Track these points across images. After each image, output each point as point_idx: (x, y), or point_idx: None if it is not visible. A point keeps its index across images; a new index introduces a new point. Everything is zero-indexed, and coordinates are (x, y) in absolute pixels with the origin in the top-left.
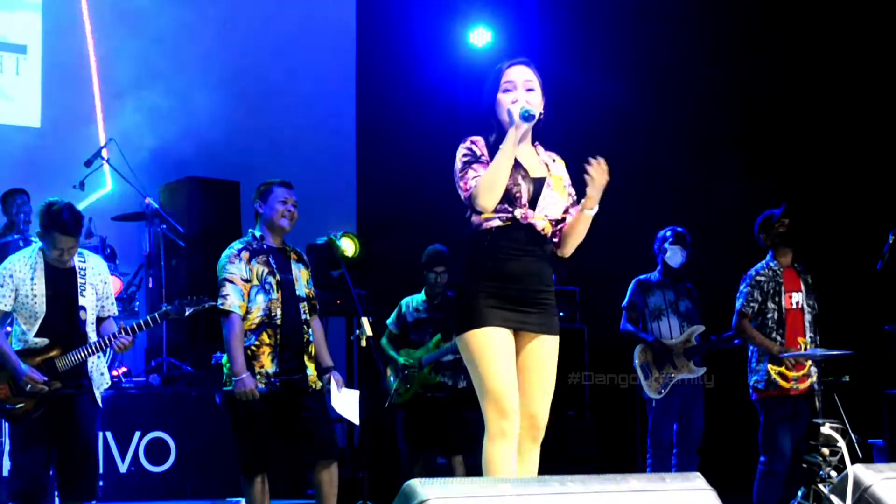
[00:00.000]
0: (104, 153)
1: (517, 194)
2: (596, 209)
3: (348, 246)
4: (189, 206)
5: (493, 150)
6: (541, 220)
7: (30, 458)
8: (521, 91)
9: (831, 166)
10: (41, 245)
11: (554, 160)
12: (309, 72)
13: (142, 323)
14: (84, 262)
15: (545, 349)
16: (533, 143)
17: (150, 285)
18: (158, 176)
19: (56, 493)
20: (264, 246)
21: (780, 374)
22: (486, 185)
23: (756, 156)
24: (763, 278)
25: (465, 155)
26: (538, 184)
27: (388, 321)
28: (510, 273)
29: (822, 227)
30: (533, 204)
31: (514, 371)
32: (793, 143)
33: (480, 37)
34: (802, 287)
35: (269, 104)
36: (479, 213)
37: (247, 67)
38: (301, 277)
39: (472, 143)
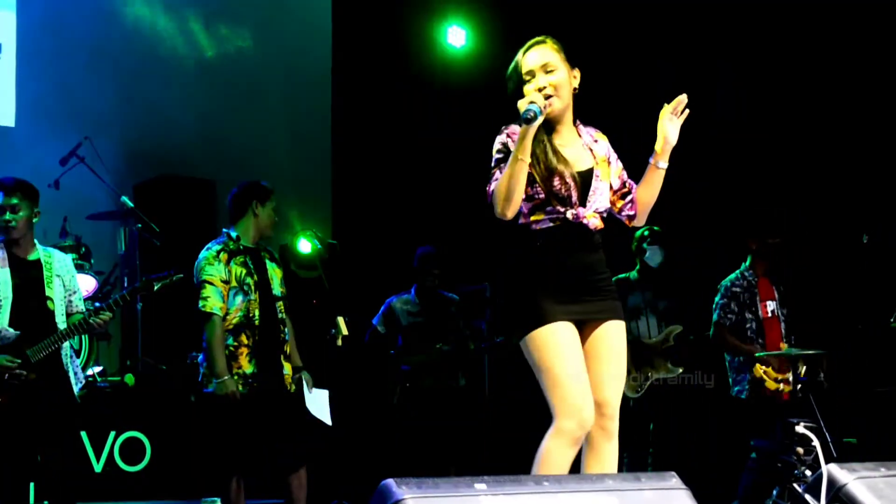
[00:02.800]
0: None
1: (566, 194)
2: (667, 163)
3: (305, 246)
4: (164, 204)
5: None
6: (593, 217)
7: (7, 457)
8: (541, 77)
9: (810, 166)
10: (2, 237)
11: (596, 140)
12: (284, 70)
13: (111, 303)
14: (49, 256)
15: (610, 334)
16: (574, 122)
17: (126, 284)
18: (133, 174)
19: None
20: (241, 246)
21: (766, 374)
22: (502, 195)
23: (736, 154)
24: (738, 289)
25: (498, 151)
26: (586, 177)
27: (375, 320)
28: (565, 268)
29: (796, 227)
30: (583, 199)
31: (586, 369)
32: (775, 142)
33: (457, 36)
34: (776, 295)
35: (245, 103)
36: (531, 214)
37: (222, 66)
38: (276, 277)
39: (509, 136)
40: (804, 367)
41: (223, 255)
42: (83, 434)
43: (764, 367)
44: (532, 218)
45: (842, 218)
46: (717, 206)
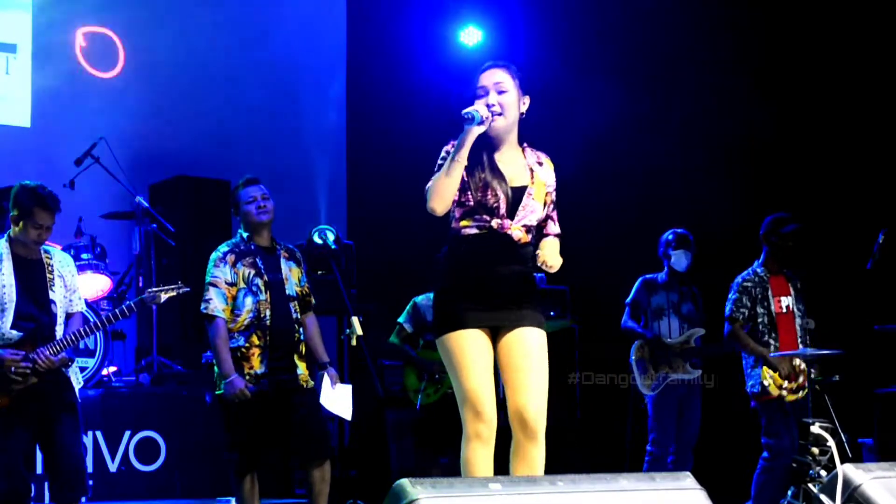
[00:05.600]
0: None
1: (495, 205)
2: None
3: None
4: (179, 204)
5: (472, 152)
6: (517, 230)
7: (11, 458)
8: (493, 94)
9: (824, 166)
10: (7, 236)
11: (541, 163)
12: (299, 71)
13: (117, 313)
14: (51, 257)
15: (525, 341)
16: (521, 144)
17: (141, 285)
18: (148, 174)
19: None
20: (251, 247)
21: (773, 378)
22: (434, 189)
23: (753, 156)
24: (750, 284)
25: (441, 158)
26: (518, 192)
27: (401, 319)
28: (486, 277)
29: (812, 225)
30: (512, 213)
31: (491, 373)
32: (787, 143)
33: (471, 36)
34: (792, 291)
35: (260, 103)
36: (461, 219)
37: (237, 66)
38: (292, 276)
39: (450, 145)
40: (811, 373)
41: (230, 257)
42: (98, 434)
43: (770, 372)
44: (462, 223)
45: (858, 216)
46: (743, 210)
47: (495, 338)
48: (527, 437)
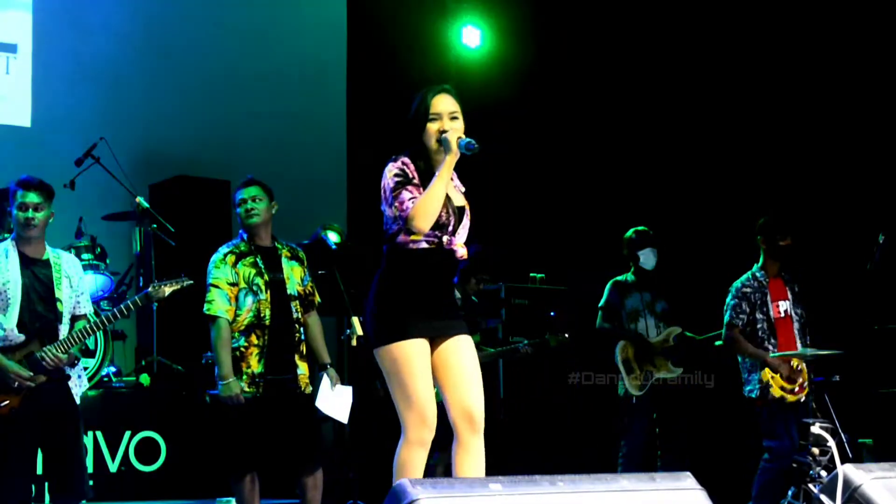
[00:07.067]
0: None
1: (445, 222)
2: None
3: (334, 237)
4: (179, 205)
5: (421, 174)
6: (460, 246)
7: (11, 459)
8: (447, 121)
9: (821, 166)
10: (13, 236)
11: (463, 187)
12: (299, 70)
13: (123, 308)
14: (59, 257)
15: (461, 346)
16: None
17: (141, 285)
18: (148, 174)
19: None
20: (252, 247)
21: (773, 380)
22: (424, 209)
23: (743, 154)
24: (748, 289)
25: (396, 175)
26: (461, 212)
27: None
28: (429, 288)
29: (812, 227)
30: (454, 231)
31: (431, 380)
32: (782, 141)
33: (471, 36)
34: (790, 295)
35: (260, 104)
36: (410, 233)
37: (237, 66)
38: (294, 275)
39: (404, 164)
40: (811, 376)
41: (230, 258)
42: (98, 434)
43: (771, 374)
44: (410, 238)
45: (858, 216)
46: (725, 205)
47: (431, 346)
48: (473, 432)
